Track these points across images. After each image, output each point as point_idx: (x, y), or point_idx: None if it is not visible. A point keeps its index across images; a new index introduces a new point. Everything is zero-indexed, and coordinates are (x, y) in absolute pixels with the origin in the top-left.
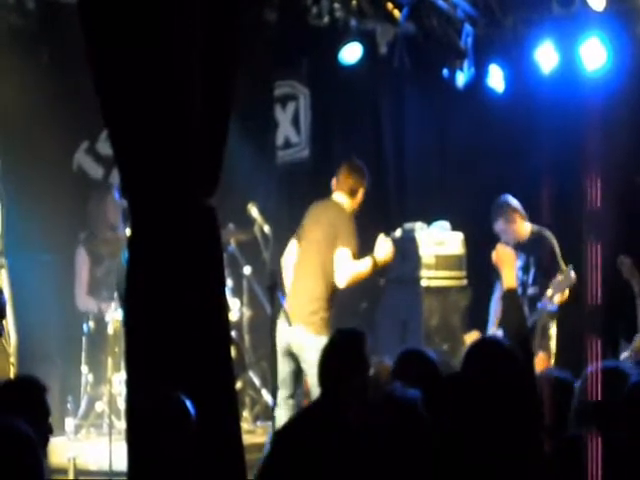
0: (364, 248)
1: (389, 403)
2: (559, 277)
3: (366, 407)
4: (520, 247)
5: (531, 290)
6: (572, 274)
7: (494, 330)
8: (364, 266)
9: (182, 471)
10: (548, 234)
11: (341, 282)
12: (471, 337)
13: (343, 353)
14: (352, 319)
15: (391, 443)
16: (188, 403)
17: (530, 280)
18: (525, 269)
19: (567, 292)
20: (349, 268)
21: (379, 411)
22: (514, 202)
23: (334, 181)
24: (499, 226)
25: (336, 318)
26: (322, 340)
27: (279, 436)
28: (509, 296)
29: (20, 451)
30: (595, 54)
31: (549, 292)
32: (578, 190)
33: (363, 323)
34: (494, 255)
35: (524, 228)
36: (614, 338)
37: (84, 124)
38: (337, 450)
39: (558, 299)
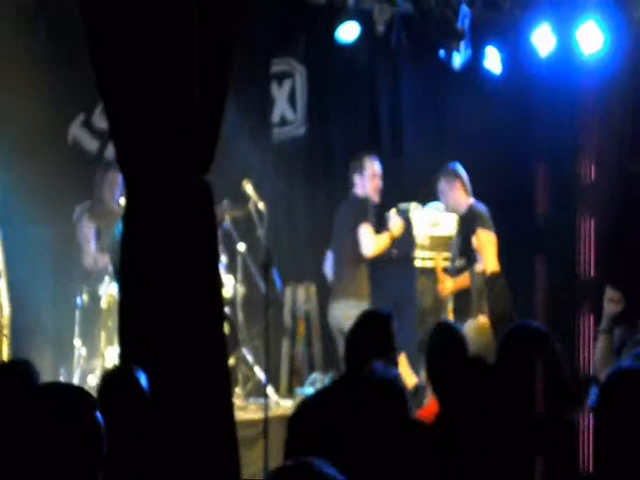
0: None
1: (368, 382)
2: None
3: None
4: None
5: (458, 262)
6: None
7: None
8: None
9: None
10: (482, 211)
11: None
12: None
13: (370, 334)
14: None
15: (369, 421)
16: (141, 377)
17: (457, 252)
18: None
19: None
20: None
21: (357, 389)
22: (461, 171)
23: None
24: (440, 186)
25: (328, 298)
26: None
27: (297, 414)
28: (494, 280)
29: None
30: (592, 37)
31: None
32: (573, 172)
33: None
34: (474, 240)
35: (463, 199)
36: None
37: (80, 97)
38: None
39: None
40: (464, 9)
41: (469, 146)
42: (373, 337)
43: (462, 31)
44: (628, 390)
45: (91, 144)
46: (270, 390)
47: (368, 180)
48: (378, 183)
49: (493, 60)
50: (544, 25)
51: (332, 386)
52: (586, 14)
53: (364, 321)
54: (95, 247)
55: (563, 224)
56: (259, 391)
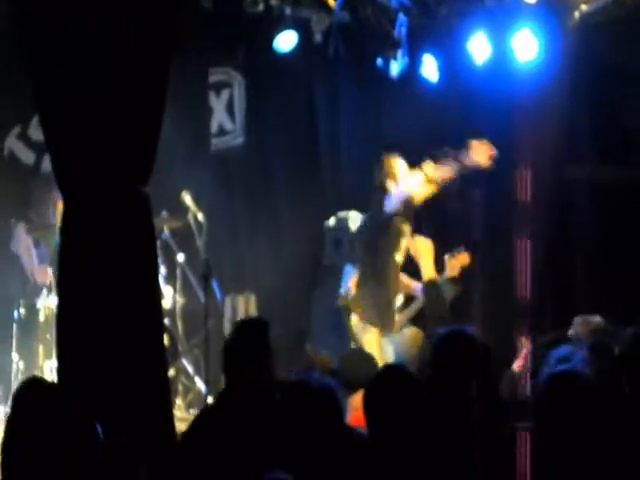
0: (298, 237)
1: (305, 391)
2: None
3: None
4: None
5: None
6: None
7: None
8: None
9: None
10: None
11: None
12: None
13: (247, 344)
14: (286, 308)
15: (306, 430)
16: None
17: None
18: None
19: None
20: None
21: (294, 399)
22: None
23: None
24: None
25: (268, 308)
26: None
27: (190, 430)
28: (430, 287)
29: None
30: (527, 46)
31: None
32: (509, 181)
33: (297, 311)
34: (412, 246)
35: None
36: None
37: (16, 109)
38: (247, 439)
39: None
40: (401, 17)
41: (407, 155)
42: (250, 346)
43: (399, 39)
44: (564, 393)
45: (28, 156)
46: (211, 401)
47: None
48: None
49: (430, 68)
50: (480, 33)
51: (218, 400)
52: (521, 22)
53: (240, 330)
54: (37, 259)
55: (498, 235)
56: (200, 402)
